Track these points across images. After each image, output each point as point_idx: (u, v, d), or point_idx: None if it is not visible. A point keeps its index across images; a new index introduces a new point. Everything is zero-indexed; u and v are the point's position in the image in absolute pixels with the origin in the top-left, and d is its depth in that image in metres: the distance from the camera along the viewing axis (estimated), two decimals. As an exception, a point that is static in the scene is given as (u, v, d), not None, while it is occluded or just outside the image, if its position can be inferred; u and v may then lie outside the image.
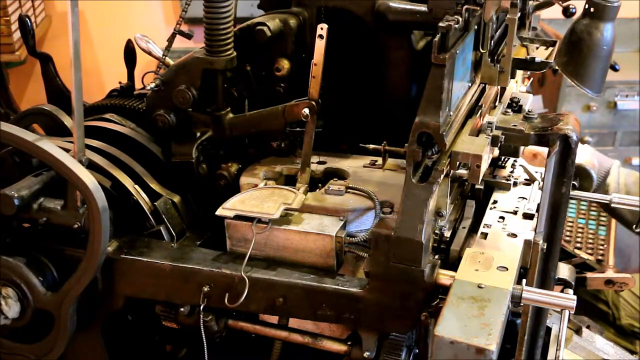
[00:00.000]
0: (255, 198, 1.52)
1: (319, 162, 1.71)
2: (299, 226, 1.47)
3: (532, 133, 1.44)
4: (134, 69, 1.98)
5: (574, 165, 1.43)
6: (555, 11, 1.85)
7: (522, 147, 1.70)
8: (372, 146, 1.67)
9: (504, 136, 1.43)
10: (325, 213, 1.51)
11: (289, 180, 1.66)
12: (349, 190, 1.56)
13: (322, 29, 1.52)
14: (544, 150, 1.48)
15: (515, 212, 1.61)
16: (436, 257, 1.44)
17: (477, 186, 1.70)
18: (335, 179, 1.63)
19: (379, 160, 1.68)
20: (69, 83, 1.46)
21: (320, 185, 1.63)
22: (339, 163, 1.71)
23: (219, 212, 1.49)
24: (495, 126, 1.44)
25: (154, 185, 1.65)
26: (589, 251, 2.80)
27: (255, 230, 1.47)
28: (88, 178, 1.43)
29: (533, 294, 1.29)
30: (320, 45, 1.53)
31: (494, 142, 1.42)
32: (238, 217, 1.49)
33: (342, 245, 1.45)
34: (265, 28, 1.64)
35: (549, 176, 1.41)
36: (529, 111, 1.50)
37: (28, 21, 1.88)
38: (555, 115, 1.49)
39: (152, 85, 1.67)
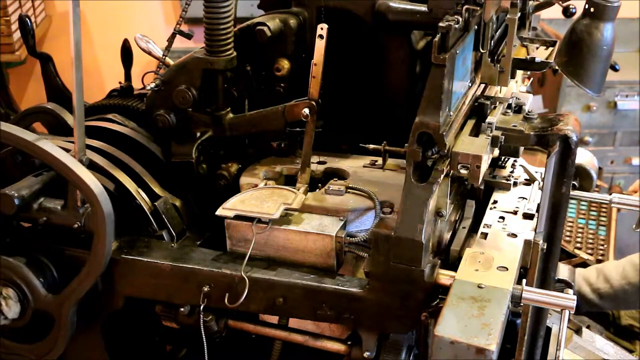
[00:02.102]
0: (255, 198, 1.52)
1: (319, 162, 1.71)
2: (299, 226, 1.47)
3: (532, 134, 1.43)
4: (131, 69, 1.98)
5: (574, 165, 1.43)
6: (555, 11, 1.85)
7: (521, 148, 1.70)
8: (372, 146, 1.67)
9: (504, 137, 1.43)
10: (325, 213, 1.51)
11: (289, 180, 1.66)
12: (349, 190, 1.56)
13: (322, 29, 1.52)
14: None
15: (515, 212, 1.61)
16: (436, 257, 1.44)
17: (476, 186, 1.70)
18: (335, 179, 1.63)
19: (379, 160, 1.68)
20: (69, 83, 1.46)
21: (320, 185, 1.63)
22: (339, 163, 1.71)
23: (219, 212, 1.49)
24: (495, 126, 1.44)
25: (155, 187, 1.64)
26: (589, 251, 2.80)
27: (255, 230, 1.47)
28: (93, 182, 1.43)
29: (533, 294, 1.29)
30: (320, 45, 1.53)
31: (494, 142, 1.41)
32: (238, 217, 1.49)
33: (342, 245, 1.45)
34: (265, 28, 1.64)
35: (548, 176, 1.41)
36: (529, 111, 1.50)
37: (28, 21, 1.88)
38: (555, 115, 1.49)
39: (152, 85, 1.67)
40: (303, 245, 1.47)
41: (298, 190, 1.55)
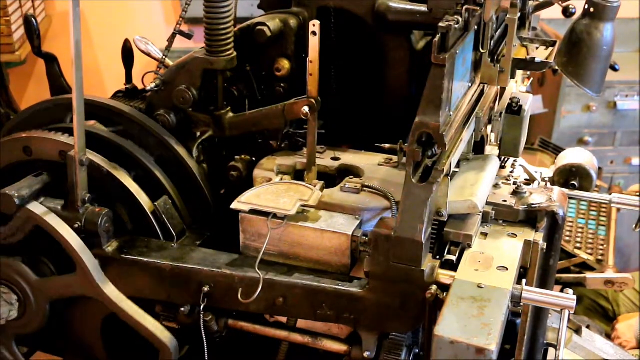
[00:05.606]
0: (271, 193, 1.50)
1: (333, 158, 1.69)
2: (315, 223, 1.46)
3: (521, 209, 1.49)
4: (132, 69, 1.97)
5: (561, 239, 1.51)
6: (555, 11, 1.85)
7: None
8: (387, 145, 1.66)
9: (494, 212, 1.49)
10: (342, 211, 1.50)
11: (302, 175, 1.65)
12: (364, 188, 1.55)
13: (314, 25, 1.51)
14: None
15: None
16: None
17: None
18: (350, 177, 1.61)
19: (394, 158, 1.67)
20: (71, 83, 1.46)
21: (337, 181, 1.61)
22: (353, 160, 1.69)
23: (235, 205, 1.47)
24: (486, 202, 1.49)
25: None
26: (589, 251, 2.80)
27: (270, 226, 1.46)
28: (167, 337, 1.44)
29: (533, 294, 1.29)
30: (314, 42, 1.52)
31: (485, 218, 1.48)
32: (253, 212, 1.47)
33: (358, 245, 1.44)
34: (265, 28, 1.64)
35: None
36: (518, 185, 1.54)
37: (34, 21, 1.85)
38: (544, 188, 1.57)
39: (152, 85, 1.67)
40: (318, 242, 1.46)
41: (315, 186, 1.54)
